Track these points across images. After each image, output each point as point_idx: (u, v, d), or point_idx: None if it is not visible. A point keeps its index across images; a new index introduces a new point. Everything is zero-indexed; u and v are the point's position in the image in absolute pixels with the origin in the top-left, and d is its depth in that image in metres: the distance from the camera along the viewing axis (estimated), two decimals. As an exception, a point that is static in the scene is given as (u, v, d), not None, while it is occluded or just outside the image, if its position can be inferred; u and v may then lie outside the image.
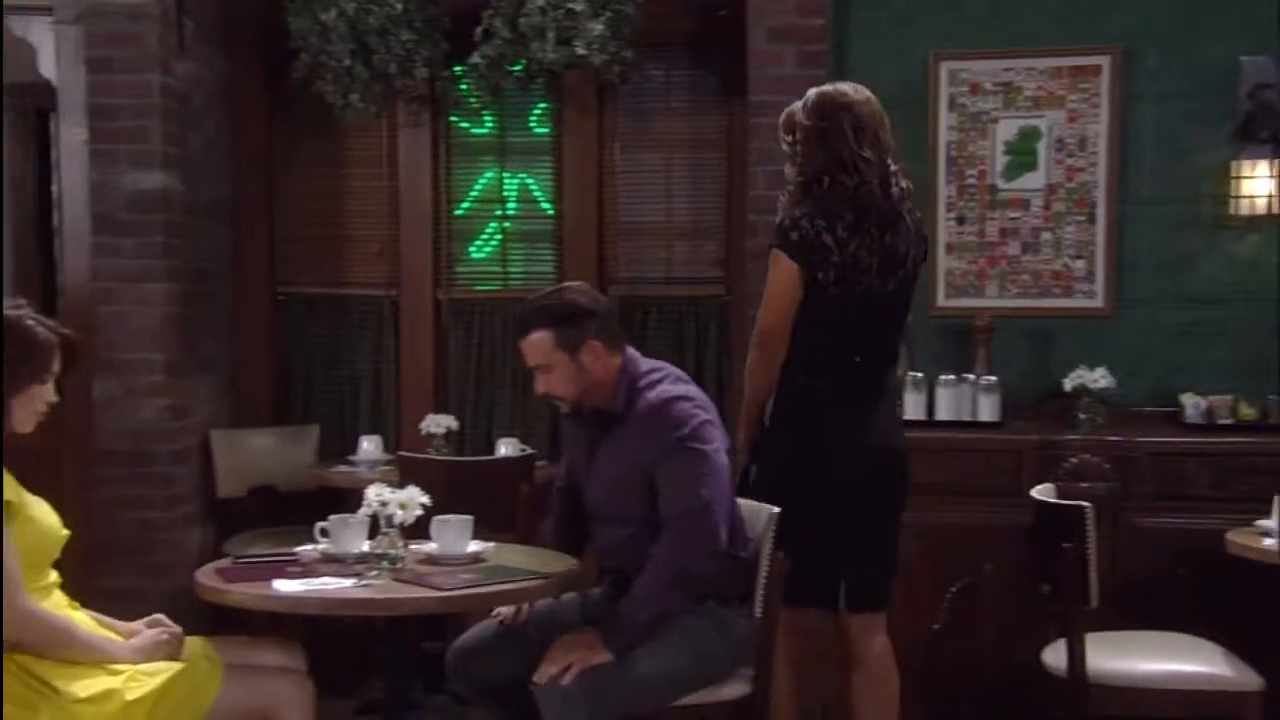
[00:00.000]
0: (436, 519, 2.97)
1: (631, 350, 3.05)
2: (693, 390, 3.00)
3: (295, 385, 5.18)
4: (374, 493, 2.87)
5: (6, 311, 2.67)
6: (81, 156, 4.57)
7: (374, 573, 2.81)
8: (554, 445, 4.94)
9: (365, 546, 2.92)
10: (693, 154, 4.95)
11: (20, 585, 2.55)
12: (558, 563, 3.00)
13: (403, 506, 2.86)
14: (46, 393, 2.71)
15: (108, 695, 2.61)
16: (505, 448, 4.54)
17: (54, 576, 2.75)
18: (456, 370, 5.07)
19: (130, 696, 2.62)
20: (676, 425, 2.89)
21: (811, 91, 3.35)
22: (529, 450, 4.49)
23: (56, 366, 2.72)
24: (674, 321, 4.94)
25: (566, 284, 3.12)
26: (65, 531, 2.75)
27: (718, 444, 2.92)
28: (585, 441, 3.07)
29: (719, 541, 2.89)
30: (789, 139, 3.36)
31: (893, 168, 3.24)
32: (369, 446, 4.63)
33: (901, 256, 3.24)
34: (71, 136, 4.61)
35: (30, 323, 2.67)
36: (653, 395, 2.94)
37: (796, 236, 3.19)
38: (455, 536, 2.97)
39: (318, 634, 4.28)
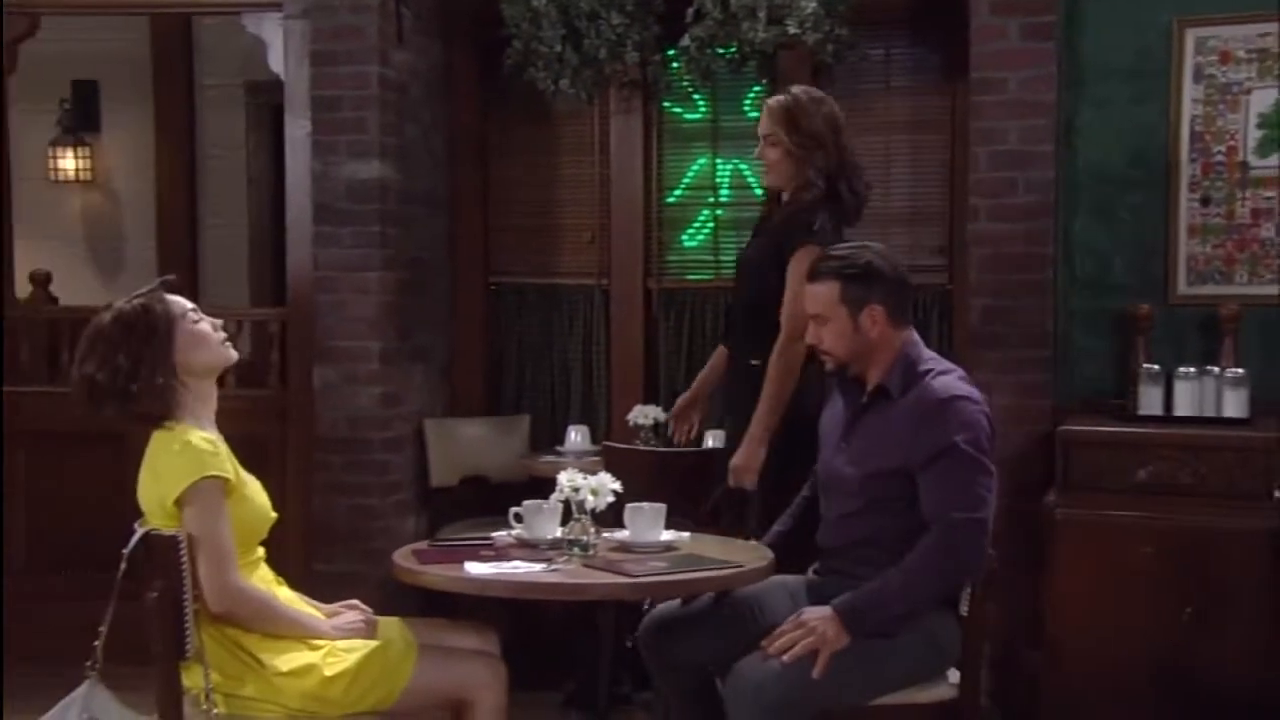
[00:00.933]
0: (629, 506, 3.02)
1: (917, 335, 3.06)
2: (978, 394, 2.97)
3: (507, 375, 5.32)
4: (565, 478, 2.94)
5: (103, 315, 2.79)
6: (305, 148, 4.81)
7: (564, 558, 2.87)
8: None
9: (558, 532, 2.98)
10: (913, 136, 4.87)
11: (233, 561, 2.71)
12: (752, 554, 3.00)
13: (594, 493, 2.91)
14: (206, 325, 2.85)
15: (308, 669, 2.74)
16: (713, 440, 4.55)
17: (260, 553, 2.90)
18: (667, 361, 5.12)
19: (329, 672, 2.75)
20: (960, 427, 2.86)
21: (804, 92, 3.72)
22: (737, 443, 4.48)
23: (186, 303, 2.85)
24: (893, 311, 4.85)
25: (868, 243, 3.15)
26: (274, 513, 2.89)
27: (992, 465, 2.91)
28: (843, 412, 3.08)
29: (984, 558, 2.87)
30: (793, 138, 3.64)
31: None
32: (576, 437, 4.72)
33: None
34: (296, 130, 4.86)
35: (129, 303, 2.80)
36: (937, 385, 2.93)
37: (818, 228, 3.56)
38: (647, 524, 3.00)
39: (526, 626, 4.42)
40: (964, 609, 2.92)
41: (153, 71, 6.75)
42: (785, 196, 3.75)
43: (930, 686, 2.92)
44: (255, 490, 2.86)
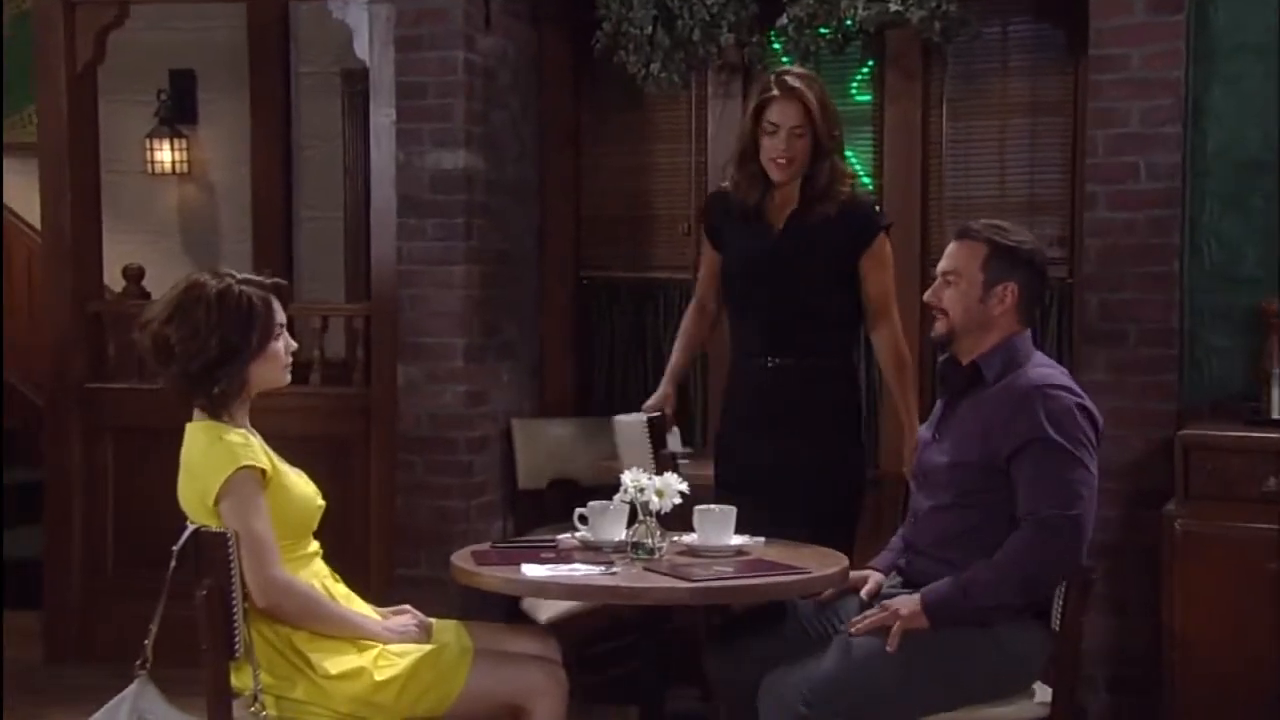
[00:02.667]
0: (698, 508, 3.04)
1: (1030, 335, 3.08)
2: (1078, 389, 2.97)
3: (599, 373, 5.36)
4: (630, 478, 2.96)
5: (212, 283, 2.86)
6: (390, 137, 4.91)
7: (627, 561, 2.90)
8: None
9: (623, 535, 3.01)
10: (1032, 119, 4.79)
11: (274, 553, 2.79)
12: (827, 560, 3.00)
13: (659, 494, 2.93)
14: (284, 344, 2.95)
15: (357, 673, 2.81)
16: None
17: (314, 546, 2.98)
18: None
19: (379, 676, 2.81)
20: (1052, 417, 2.87)
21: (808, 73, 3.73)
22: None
23: (282, 317, 2.94)
24: (1008, 308, 4.79)
25: (1025, 231, 3.17)
26: (321, 501, 2.97)
27: (1093, 462, 2.90)
28: (940, 403, 3.13)
29: (1079, 558, 2.86)
30: (825, 127, 3.62)
31: None
32: (667, 439, 4.72)
33: None
34: (381, 118, 4.96)
35: (241, 289, 2.88)
36: (1033, 374, 2.96)
37: (886, 216, 3.83)
38: (716, 527, 3.02)
39: (614, 638, 4.43)
40: (1055, 621, 2.88)
41: (249, 60, 6.94)
42: (786, 191, 3.67)
43: (1012, 703, 2.89)
44: (297, 480, 2.93)
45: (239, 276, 2.92)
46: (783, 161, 3.59)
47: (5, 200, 6.62)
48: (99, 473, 5.35)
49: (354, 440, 5.09)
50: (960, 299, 3.02)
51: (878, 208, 3.81)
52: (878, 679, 2.80)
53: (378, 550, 5.01)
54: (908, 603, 2.86)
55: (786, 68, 3.72)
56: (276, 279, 3.01)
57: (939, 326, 3.08)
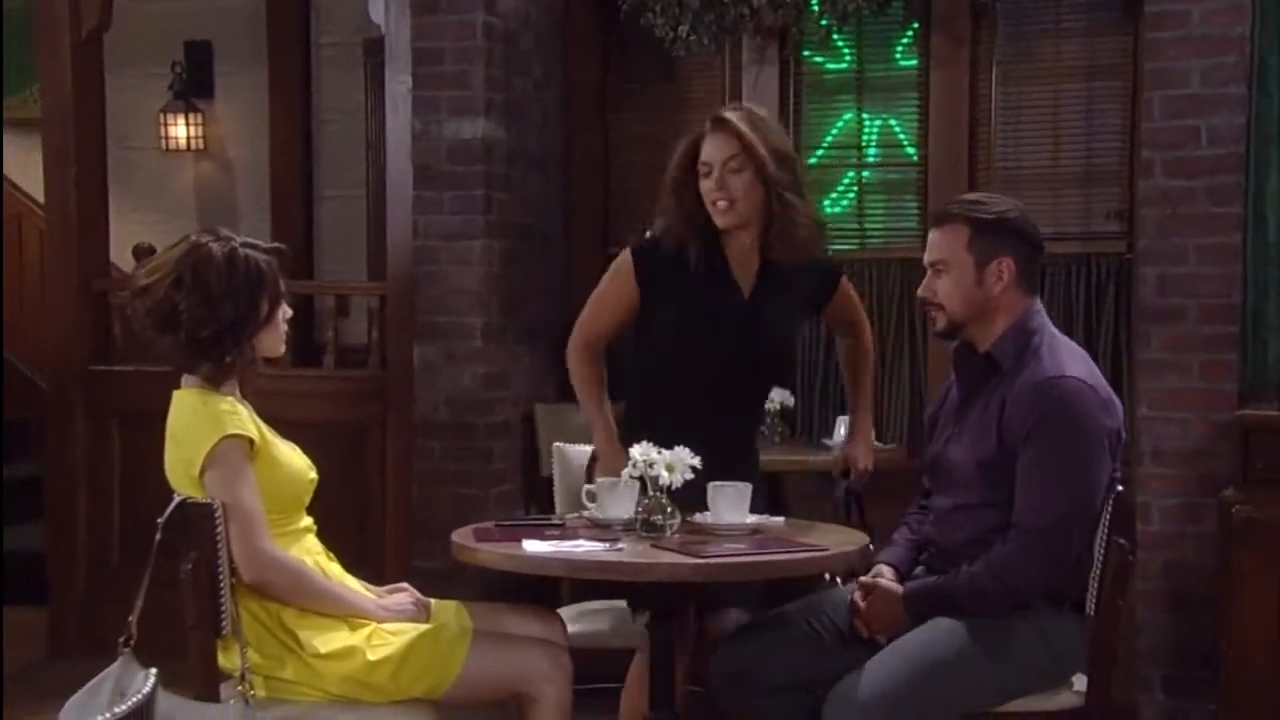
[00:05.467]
0: (711, 485, 3.05)
1: (1041, 306, 3.04)
2: (1095, 377, 2.93)
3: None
4: (639, 452, 2.98)
5: (215, 246, 2.89)
6: (406, 105, 4.95)
7: (634, 539, 2.93)
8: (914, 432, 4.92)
9: (632, 512, 3.03)
10: (1088, 83, 4.79)
11: (263, 525, 2.83)
12: (846, 539, 3.01)
13: (669, 468, 2.94)
14: (286, 310, 2.99)
15: (349, 652, 2.84)
16: (845, 427, 4.54)
17: (306, 521, 3.01)
18: (805, 340, 5.11)
19: (373, 656, 2.84)
20: (1057, 414, 2.84)
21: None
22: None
23: (283, 284, 2.98)
24: (1063, 285, 4.80)
25: (1004, 198, 3.13)
26: (313, 475, 3.00)
27: (1099, 450, 2.87)
28: (957, 393, 3.09)
29: (1064, 566, 2.88)
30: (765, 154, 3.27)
31: None
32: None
33: None
34: (397, 85, 5.00)
35: (246, 252, 2.91)
36: (1048, 364, 2.91)
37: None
38: (730, 505, 3.02)
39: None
40: (1090, 607, 2.87)
41: (267, 30, 7.02)
42: (744, 242, 3.36)
43: (1048, 694, 2.91)
44: (287, 452, 2.97)
45: (239, 239, 2.96)
46: (723, 204, 3.27)
47: (15, 179, 6.76)
48: (104, 460, 5.42)
49: (370, 426, 5.13)
50: (955, 287, 2.97)
51: (828, 250, 3.63)
52: (934, 686, 2.80)
53: (394, 540, 5.05)
54: (887, 602, 2.95)
55: (732, 104, 3.55)
56: (276, 244, 3.05)
57: (938, 322, 3.03)
